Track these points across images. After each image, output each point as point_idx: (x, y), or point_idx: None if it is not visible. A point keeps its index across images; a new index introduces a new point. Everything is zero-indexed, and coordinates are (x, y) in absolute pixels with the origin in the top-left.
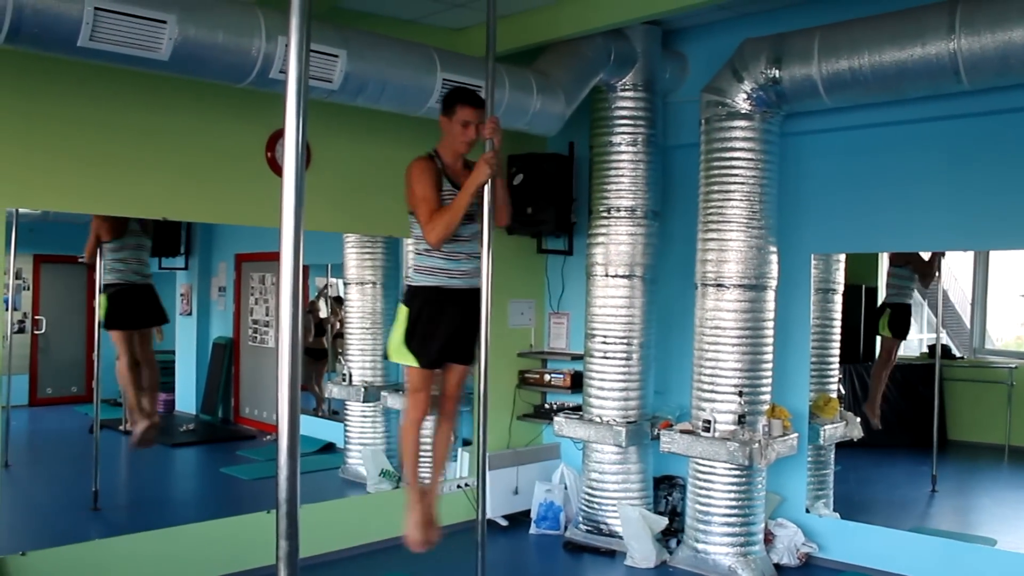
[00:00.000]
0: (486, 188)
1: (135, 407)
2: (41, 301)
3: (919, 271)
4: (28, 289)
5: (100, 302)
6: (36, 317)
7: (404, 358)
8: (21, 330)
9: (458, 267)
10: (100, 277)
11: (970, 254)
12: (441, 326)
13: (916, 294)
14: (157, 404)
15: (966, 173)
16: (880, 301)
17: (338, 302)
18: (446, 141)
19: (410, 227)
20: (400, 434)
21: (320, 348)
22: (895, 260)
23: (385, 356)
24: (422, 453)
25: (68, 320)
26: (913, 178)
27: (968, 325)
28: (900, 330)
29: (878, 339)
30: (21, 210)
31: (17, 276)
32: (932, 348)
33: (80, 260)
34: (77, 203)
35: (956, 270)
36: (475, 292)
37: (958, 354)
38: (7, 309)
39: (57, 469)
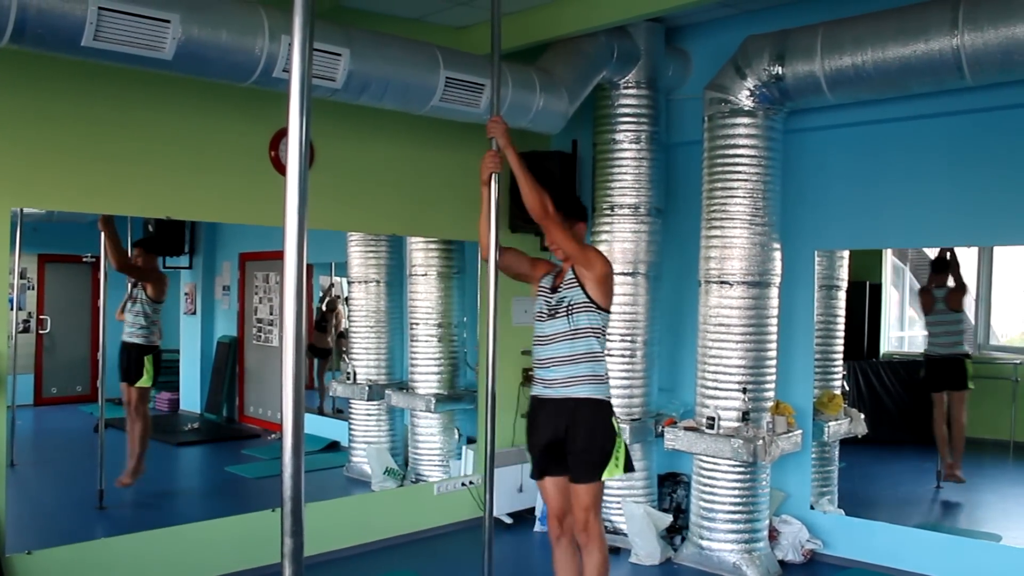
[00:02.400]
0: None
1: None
2: (46, 301)
3: (948, 300)
4: (33, 289)
5: (148, 362)
6: (41, 317)
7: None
8: (26, 330)
9: (547, 375)
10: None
11: (974, 250)
12: (534, 436)
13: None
14: (141, 461)
15: (969, 169)
16: (886, 337)
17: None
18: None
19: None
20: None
21: (324, 347)
22: (926, 308)
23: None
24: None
25: (73, 320)
26: (916, 174)
27: (973, 321)
28: (941, 383)
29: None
30: (25, 210)
31: (22, 276)
32: None
33: (85, 260)
34: (81, 202)
35: (961, 267)
36: (568, 402)
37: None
38: (12, 309)
39: (63, 468)
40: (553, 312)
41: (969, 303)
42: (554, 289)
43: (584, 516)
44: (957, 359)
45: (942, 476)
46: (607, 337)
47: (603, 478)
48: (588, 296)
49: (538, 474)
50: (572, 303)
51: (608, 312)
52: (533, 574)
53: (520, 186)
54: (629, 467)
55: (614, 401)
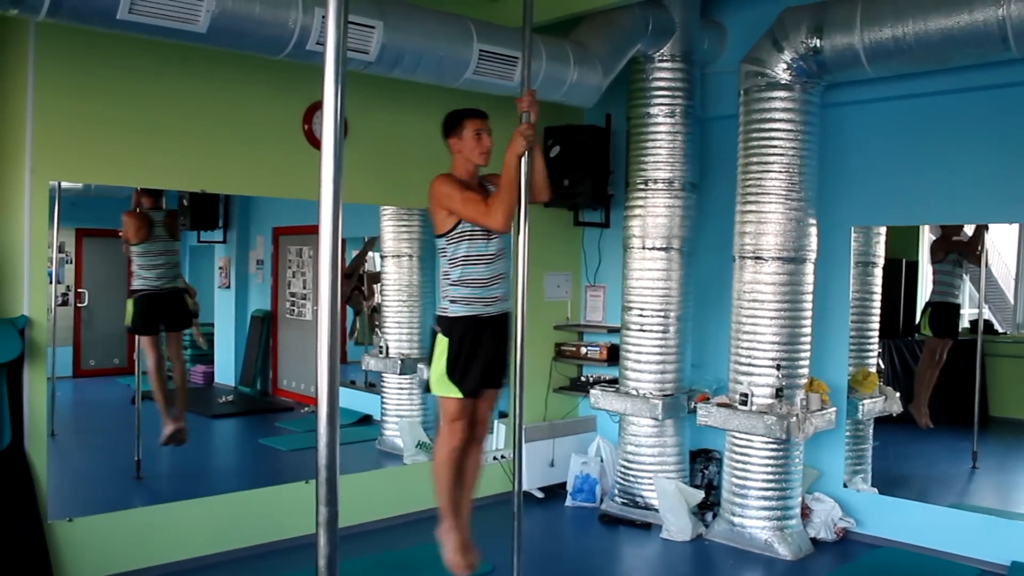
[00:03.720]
0: (523, 162)
1: (163, 409)
2: (84, 274)
3: (965, 253)
4: (71, 263)
5: (127, 307)
6: (79, 290)
7: (447, 390)
8: (64, 303)
9: (491, 294)
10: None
11: (1015, 227)
12: (480, 355)
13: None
14: (184, 408)
15: (1011, 144)
16: (924, 301)
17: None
18: (458, 162)
19: (440, 252)
20: (434, 466)
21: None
22: (937, 256)
23: (426, 390)
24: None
25: (110, 293)
26: (957, 149)
27: (1011, 300)
28: (943, 329)
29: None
30: (64, 184)
31: (60, 250)
32: (974, 323)
33: (122, 234)
34: (117, 176)
35: (1000, 244)
36: (507, 317)
37: (1000, 329)
38: (51, 282)
39: (101, 439)
40: (491, 234)
41: (1008, 280)
42: None
43: (487, 417)
44: (956, 307)
45: (920, 423)
46: None
47: None
48: None
49: (478, 390)
50: None
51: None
52: (563, 548)
53: (536, 164)
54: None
55: (646, 377)
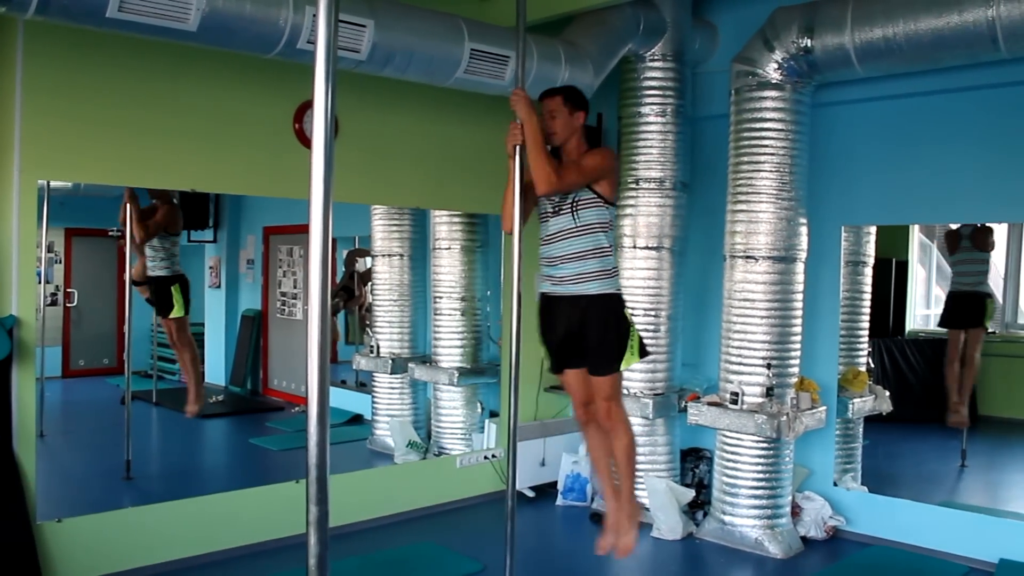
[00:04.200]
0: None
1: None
2: (73, 274)
3: (975, 239)
4: (60, 262)
5: (178, 293)
6: (68, 290)
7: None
8: (53, 303)
9: (559, 272)
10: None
11: (1003, 226)
12: (552, 333)
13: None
14: (200, 386)
15: (1001, 144)
16: (911, 315)
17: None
18: None
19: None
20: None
21: (350, 287)
22: (950, 250)
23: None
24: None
25: (99, 293)
26: (946, 149)
27: (1000, 300)
28: (960, 320)
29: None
30: (52, 184)
31: (49, 249)
32: None
33: (111, 233)
34: (107, 175)
35: None
36: (580, 300)
37: (990, 329)
38: (40, 282)
39: (90, 439)
40: (557, 209)
41: (997, 279)
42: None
43: (607, 405)
44: (979, 296)
45: (949, 420)
46: (614, 231)
47: (621, 368)
48: (594, 191)
49: (557, 368)
50: (577, 199)
51: (614, 205)
52: (554, 547)
53: (530, 161)
54: (644, 352)
55: (637, 376)
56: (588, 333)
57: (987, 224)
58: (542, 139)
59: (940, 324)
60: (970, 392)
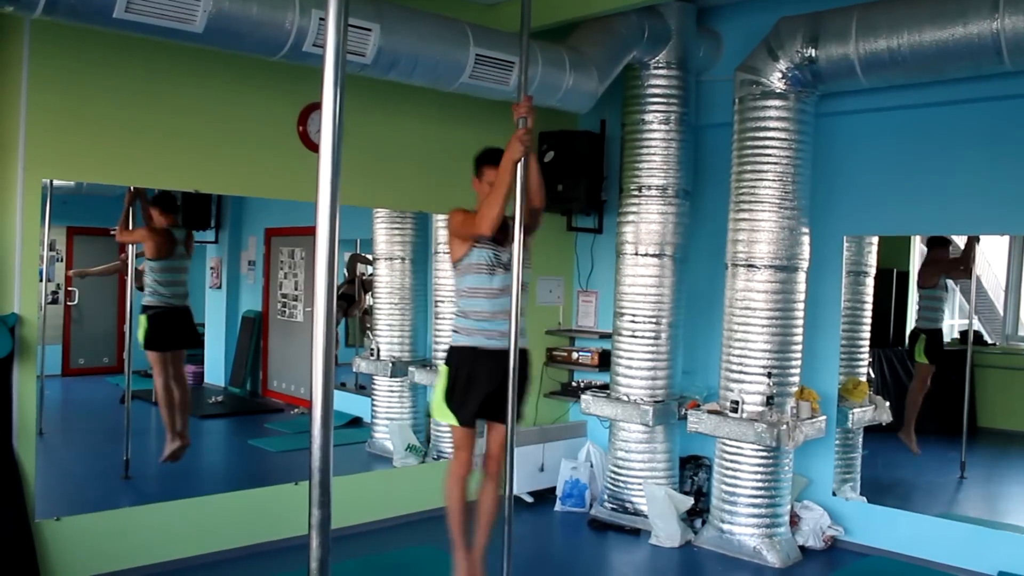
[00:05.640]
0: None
1: (169, 426)
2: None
3: (952, 273)
4: (61, 261)
5: (140, 322)
6: (69, 289)
7: (444, 416)
8: (54, 301)
9: (494, 327)
10: (131, 294)
11: (1005, 239)
12: (477, 386)
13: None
14: (187, 424)
15: (1005, 156)
16: (911, 326)
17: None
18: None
19: (456, 281)
20: (445, 492)
21: (350, 294)
22: (930, 281)
23: (427, 415)
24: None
25: (100, 292)
26: (950, 160)
27: (1001, 311)
28: (937, 356)
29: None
30: (55, 182)
31: (51, 248)
32: (964, 334)
33: (113, 233)
34: (110, 175)
35: (990, 255)
36: (514, 353)
37: (990, 340)
38: (41, 280)
39: (89, 438)
40: (507, 265)
41: (998, 291)
42: (502, 243)
43: (502, 453)
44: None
45: (913, 450)
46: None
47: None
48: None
49: (471, 421)
50: (508, 261)
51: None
52: (552, 553)
53: (498, 192)
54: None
55: (637, 383)
56: (508, 385)
57: (973, 256)
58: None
59: (926, 358)
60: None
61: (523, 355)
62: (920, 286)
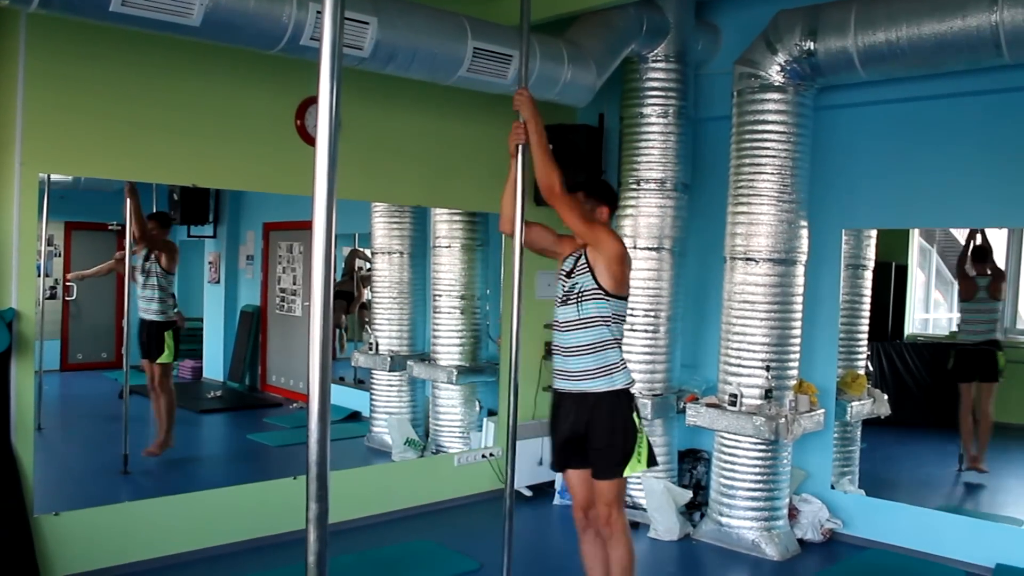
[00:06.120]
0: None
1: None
2: (72, 268)
3: (995, 293)
4: (59, 256)
5: (168, 339)
6: (67, 284)
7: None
8: (53, 296)
9: (563, 366)
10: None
11: (1004, 232)
12: (556, 429)
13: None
14: (172, 430)
15: (1004, 149)
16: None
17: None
18: None
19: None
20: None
21: (349, 291)
22: (970, 294)
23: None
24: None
25: (98, 287)
26: (948, 153)
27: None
28: (969, 373)
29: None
30: (53, 177)
31: (49, 243)
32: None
33: (111, 228)
34: (108, 169)
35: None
36: (588, 397)
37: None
38: (39, 275)
39: (88, 433)
40: (566, 298)
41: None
42: (570, 274)
43: (607, 511)
44: (989, 349)
45: (964, 466)
46: (624, 321)
47: (624, 474)
48: (597, 282)
49: (559, 466)
50: (583, 290)
51: (620, 298)
52: (552, 547)
53: (535, 161)
54: (652, 461)
55: (636, 376)
56: (593, 435)
57: (1001, 269)
58: (546, 140)
59: (952, 378)
60: (986, 444)
61: (603, 399)
62: (962, 298)
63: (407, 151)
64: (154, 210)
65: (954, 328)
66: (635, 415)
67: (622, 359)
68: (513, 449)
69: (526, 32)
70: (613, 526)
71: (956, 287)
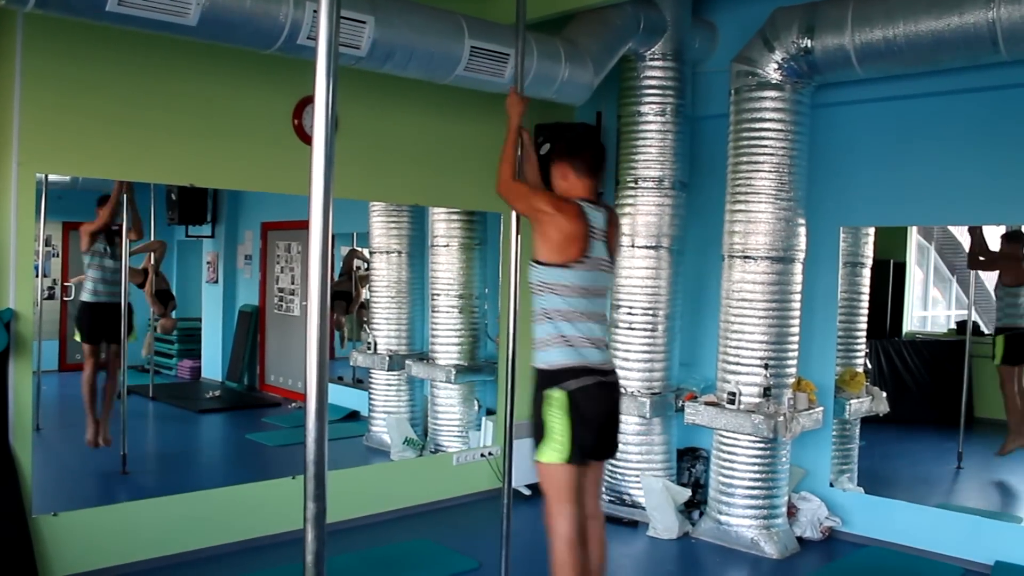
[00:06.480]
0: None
1: (89, 412)
2: (70, 268)
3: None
4: (57, 256)
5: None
6: (65, 284)
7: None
8: (51, 296)
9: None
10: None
11: (1002, 229)
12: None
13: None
14: (109, 412)
15: (1001, 146)
16: (908, 317)
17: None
18: None
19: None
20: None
21: (347, 291)
22: (1008, 280)
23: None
24: None
25: None
26: (946, 150)
27: (996, 302)
28: (1015, 357)
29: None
30: (50, 177)
31: (47, 243)
32: (961, 325)
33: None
34: (105, 169)
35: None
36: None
37: (987, 331)
38: (37, 275)
39: (86, 433)
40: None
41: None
42: None
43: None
44: None
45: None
46: (573, 295)
47: (541, 460)
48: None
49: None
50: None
51: (550, 264)
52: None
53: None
54: (577, 459)
55: (634, 375)
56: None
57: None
58: (514, 141)
59: (1003, 363)
60: None
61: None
62: (1001, 283)
63: (404, 150)
64: (151, 209)
65: (953, 326)
66: (555, 395)
67: (554, 336)
68: (510, 448)
69: (521, 31)
70: (545, 516)
71: (995, 275)
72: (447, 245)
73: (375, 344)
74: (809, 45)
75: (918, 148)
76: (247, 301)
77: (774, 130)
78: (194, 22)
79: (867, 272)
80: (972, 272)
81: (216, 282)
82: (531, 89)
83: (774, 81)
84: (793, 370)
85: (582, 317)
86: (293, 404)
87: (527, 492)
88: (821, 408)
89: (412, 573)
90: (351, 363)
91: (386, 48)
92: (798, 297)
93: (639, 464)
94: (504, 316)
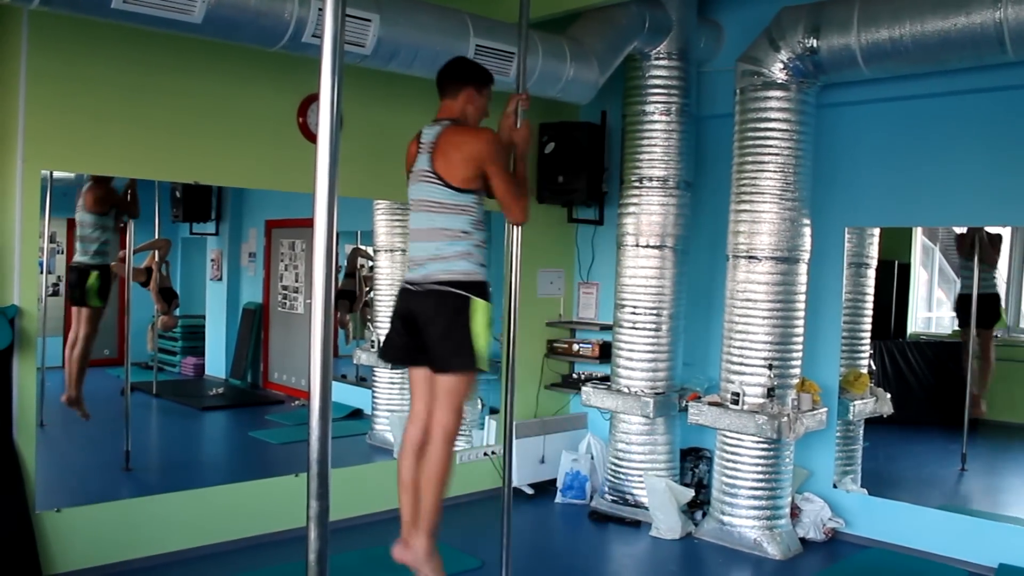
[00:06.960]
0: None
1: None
2: None
3: (986, 260)
4: (62, 253)
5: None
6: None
7: (484, 363)
8: (55, 293)
9: None
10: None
11: (1007, 230)
12: None
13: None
14: (78, 379)
15: (1006, 147)
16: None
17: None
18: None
19: (459, 208)
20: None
21: (352, 290)
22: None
23: (473, 365)
24: None
25: None
26: (952, 151)
27: (1003, 303)
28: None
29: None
30: (55, 174)
31: (51, 240)
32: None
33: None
34: (110, 166)
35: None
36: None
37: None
38: (41, 272)
39: (90, 430)
40: None
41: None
42: None
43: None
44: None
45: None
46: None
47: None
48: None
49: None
50: None
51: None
52: (552, 545)
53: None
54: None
55: (638, 375)
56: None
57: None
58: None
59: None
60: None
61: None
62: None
63: None
64: (155, 207)
65: (956, 327)
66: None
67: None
68: (510, 447)
69: (526, 29)
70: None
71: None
72: None
73: (378, 342)
74: (815, 45)
75: (924, 148)
76: (251, 299)
77: (779, 130)
78: (199, 19)
79: (872, 273)
80: (976, 273)
81: (220, 279)
82: (536, 88)
83: (779, 81)
84: (797, 371)
85: (412, 234)
86: (296, 402)
87: (530, 491)
88: (825, 409)
89: (414, 572)
90: (354, 361)
91: (391, 46)
92: (802, 297)
93: (642, 464)
94: (506, 315)
